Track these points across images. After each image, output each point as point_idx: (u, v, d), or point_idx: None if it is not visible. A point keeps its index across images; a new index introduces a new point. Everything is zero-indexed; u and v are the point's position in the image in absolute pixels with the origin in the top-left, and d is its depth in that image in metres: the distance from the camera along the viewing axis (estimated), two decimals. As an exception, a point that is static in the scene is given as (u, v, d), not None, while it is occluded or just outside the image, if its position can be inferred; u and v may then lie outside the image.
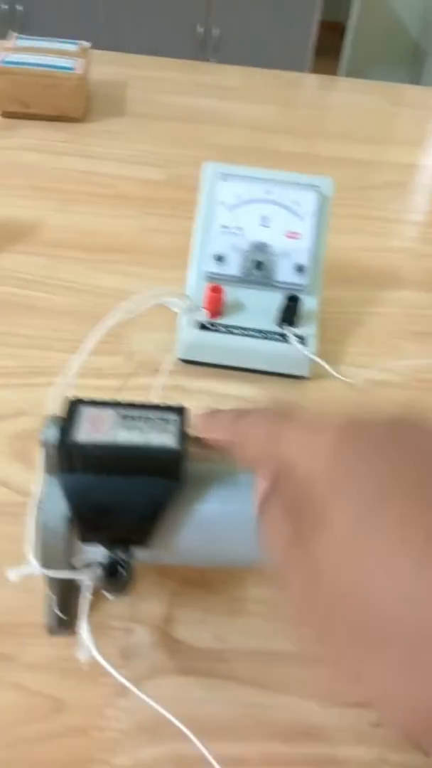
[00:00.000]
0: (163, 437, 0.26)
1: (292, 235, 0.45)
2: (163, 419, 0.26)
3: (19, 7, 2.01)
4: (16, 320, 0.48)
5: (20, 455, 0.38)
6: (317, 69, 2.17)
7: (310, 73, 2.13)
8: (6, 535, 0.34)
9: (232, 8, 1.99)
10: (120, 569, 0.26)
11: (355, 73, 2.57)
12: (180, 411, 0.27)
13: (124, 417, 0.26)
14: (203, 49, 2.05)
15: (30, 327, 0.48)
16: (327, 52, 2.53)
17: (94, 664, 0.26)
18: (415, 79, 2.53)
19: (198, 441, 0.26)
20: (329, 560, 0.17)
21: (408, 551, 0.15)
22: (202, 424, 0.25)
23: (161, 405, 0.27)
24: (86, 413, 0.26)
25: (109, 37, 1.99)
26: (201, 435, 0.25)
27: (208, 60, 2.02)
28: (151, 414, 0.27)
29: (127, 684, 0.25)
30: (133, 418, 0.26)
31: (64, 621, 0.30)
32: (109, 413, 0.26)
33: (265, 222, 0.45)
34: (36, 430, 0.39)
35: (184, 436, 0.26)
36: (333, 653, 0.17)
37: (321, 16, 2.11)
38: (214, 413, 0.25)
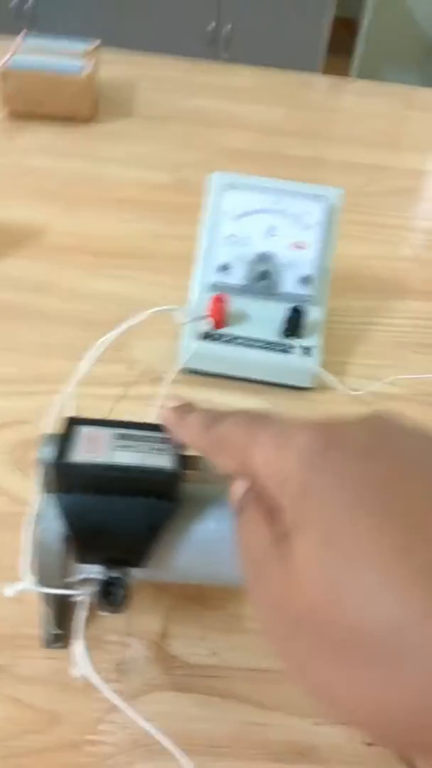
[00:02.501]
0: (160, 458, 0.26)
1: (298, 246, 0.45)
2: (160, 439, 0.26)
3: (29, 3, 2.00)
4: (19, 327, 0.48)
5: (20, 464, 0.38)
6: (329, 67, 2.15)
7: (322, 71, 2.12)
8: (3, 545, 0.34)
9: (244, 4, 1.98)
10: (115, 589, 0.26)
11: (367, 71, 2.54)
12: (178, 430, 0.27)
13: (121, 437, 0.26)
14: (214, 45, 2.04)
15: (32, 333, 0.48)
16: (339, 49, 2.51)
17: (90, 678, 0.26)
18: (430, 78, 2.51)
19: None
20: (298, 573, 0.17)
21: (377, 564, 0.15)
22: (173, 424, 0.25)
23: (158, 424, 0.27)
24: (83, 432, 0.26)
25: (119, 32, 1.98)
26: (173, 435, 0.25)
27: (218, 56, 2.01)
28: (149, 434, 0.27)
29: (119, 703, 0.25)
30: (130, 438, 0.26)
31: (60, 635, 0.30)
32: (106, 433, 0.26)
33: (270, 232, 0.45)
34: (36, 440, 0.40)
35: (181, 457, 0.26)
36: (297, 665, 0.17)
37: (334, 12, 2.10)
38: (185, 412, 0.25)
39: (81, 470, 0.25)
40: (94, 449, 0.25)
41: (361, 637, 0.15)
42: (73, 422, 0.26)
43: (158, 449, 0.26)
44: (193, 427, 0.24)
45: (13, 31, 0.90)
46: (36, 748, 0.27)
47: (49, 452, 0.25)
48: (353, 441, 0.19)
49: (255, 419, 0.22)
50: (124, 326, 0.41)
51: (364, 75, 2.48)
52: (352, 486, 0.17)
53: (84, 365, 0.42)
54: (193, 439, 0.24)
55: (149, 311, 0.42)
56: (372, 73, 2.50)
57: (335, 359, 0.48)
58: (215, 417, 0.23)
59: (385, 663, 0.15)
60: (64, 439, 0.26)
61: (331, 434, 0.19)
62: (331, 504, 0.17)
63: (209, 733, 0.28)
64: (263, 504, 0.20)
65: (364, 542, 0.16)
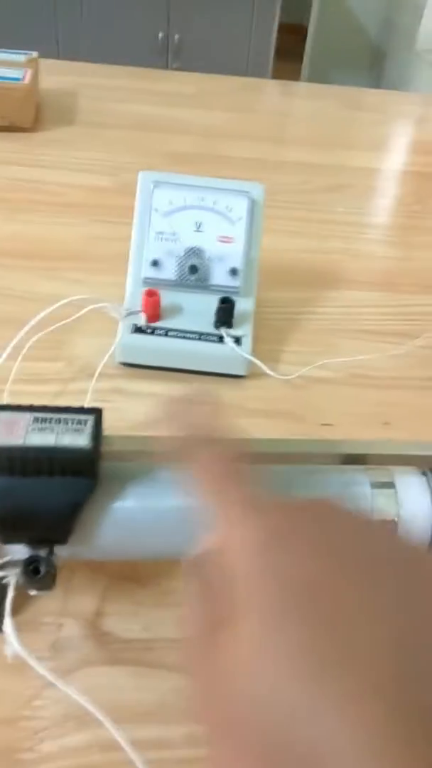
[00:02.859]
0: (76, 438, 0.27)
1: (225, 240, 0.47)
2: (77, 421, 0.28)
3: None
4: None
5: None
6: (280, 72, 2.20)
7: (273, 76, 2.16)
8: None
9: (192, 13, 2.01)
10: (40, 566, 0.27)
11: (317, 76, 2.60)
12: (95, 412, 0.28)
13: (39, 420, 0.27)
14: (164, 54, 2.06)
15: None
16: (290, 55, 2.57)
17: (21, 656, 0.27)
18: (376, 80, 2.58)
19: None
20: (228, 672, 0.17)
21: (300, 683, 0.15)
22: (169, 416, 0.24)
23: (77, 408, 0.28)
24: (1, 418, 0.27)
25: (70, 45, 1.99)
26: (163, 425, 0.24)
27: (169, 66, 2.04)
28: (66, 416, 0.28)
29: (47, 675, 0.26)
30: (47, 420, 0.27)
31: (-7, 619, 0.31)
32: (24, 417, 0.27)
33: (198, 227, 0.47)
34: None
35: (98, 437, 0.27)
36: (218, 758, 0.17)
37: (282, 19, 2.14)
38: (183, 412, 0.24)
39: (-2, 453, 0.26)
40: (10, 433, 0.27)
41: (281, 755, 0.15)
42: (-9, 409, 0.28)
43: (75, 429, 0.27)
44: (186, 443, 0.23)
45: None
46: (-28, 728, 0.28)
47: (-33, 438, 0.26)
48: (302, 533, 0.19)
49: (233, 468, 0.21)
50: (36, 319, 0.42)
51: (313, 79, 2.53)
52: (290, 588, 0.17)
53: (26, 363, 0.43)
54: (178, 450, 0.23)
55: (76, 298, 0.43)
56: (321, 77, 2.56)
57: (269, 348, 0.50)
58: (206, 441, 0.23)
59: None
60: (-18, 425, 0.27)
61: (285, 522, 0.19)
62: (268, 606, 0.17)
63: (141, 702, 0.30)
64: (207, 584, 0.19)
65: (291, 656, 0.16)
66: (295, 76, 2.57)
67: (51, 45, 1.92)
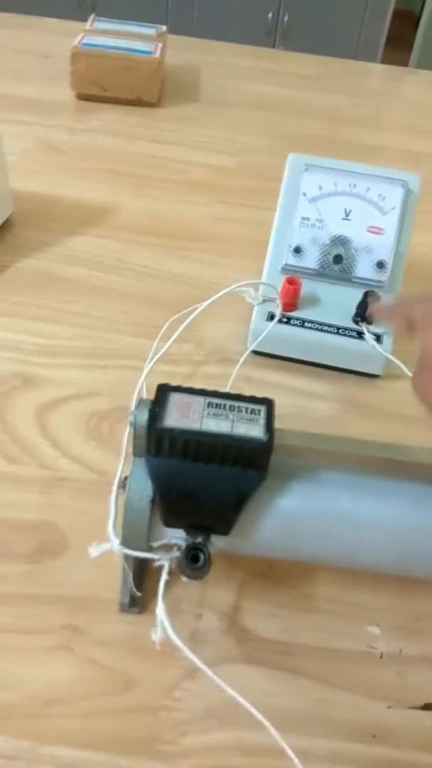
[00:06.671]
0: (250, 428, 0.26)
1: (375, 230, 0.44)
2: (250, 410, 0.26)
3: (90, -9, 2.02)
4: (91, 302, 0.49)
5: (94, 434, 0.39)
6: (387, 59, 2.11)
7: (381, 62, 2.08)
8: (81, 510, 0.35)
9: (305, -6, 1.95)
10: (200, 554, 0.26)
11: (426, 64, 2.48)
12: (268, 403, 0.27)
13: (212, 405, 0.26)
14: (272, 35, 2.02)
15: (103, 309, 0.48)
16: (397, 41, 2.45)
17: (165, 644, 0.26)
18: None
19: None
20: None
21: None
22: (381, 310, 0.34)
23: (249, 396, 0.27)
24: (175, 399, 0.26)
25: (179, 20, 1.98)
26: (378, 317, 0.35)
27: (275, 46, 1.99)
28: (239, 404, 0.26)
29: (204, 668, 0.25)
30: (221, 407, 0.26)
31: (136, 600, 0.30)
32: (197, 401, 0.26)
33: (347, 215, 0.44)
34: (109, 411, 0.41)
35: (271, 429, 0.26)
36: None
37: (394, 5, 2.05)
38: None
39: (173, 435, 0.25)
40: (185, 415, 0.26)
41: None
42: (166, 389, 0.27)
43: (248, 419, 0.26)
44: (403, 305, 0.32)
45: (74, 17, 0.92)
46: (112, 710, 0.28)
47: (142, 416, 0.25)
48: None
49: None
50: (201, 306, 0.41)
51: (421, 67, 2.41)
52: None
53: (160, 343, 0.42)
54: (401, 313, 0.31)
55: (223, 291, 0.42)
56: (430, 65, 2.44)
57: (405, 348, 0.47)
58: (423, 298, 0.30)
59: None
60: (156, 404, 0.26)
61: None
62: None
63: (282, 708, 0.28)
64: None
65: None
66: (402, 63, 2.46)
67: (160, 19, 1.91)
